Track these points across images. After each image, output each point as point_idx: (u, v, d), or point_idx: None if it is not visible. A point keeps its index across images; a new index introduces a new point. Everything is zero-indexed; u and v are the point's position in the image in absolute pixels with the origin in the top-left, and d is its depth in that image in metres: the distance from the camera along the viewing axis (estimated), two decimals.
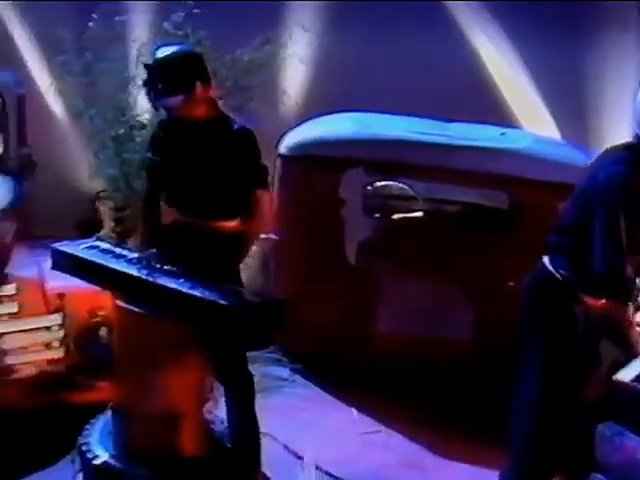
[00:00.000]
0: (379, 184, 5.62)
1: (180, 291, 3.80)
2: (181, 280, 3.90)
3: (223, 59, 4.28)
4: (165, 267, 4.01)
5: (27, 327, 4.54)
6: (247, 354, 5.14)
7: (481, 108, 5.72)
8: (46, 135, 5.74)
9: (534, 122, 5.97)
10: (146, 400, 4.06)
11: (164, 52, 4.04)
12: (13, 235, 4.95)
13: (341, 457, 4.38)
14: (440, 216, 5.51)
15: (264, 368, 5.29)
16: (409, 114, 5.31)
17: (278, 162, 5.17)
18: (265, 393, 5.04)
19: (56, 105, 5.47)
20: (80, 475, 4.11)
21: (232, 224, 4.12)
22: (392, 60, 5.55)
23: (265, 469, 4.14)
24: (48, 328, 4.59)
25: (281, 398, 5.00)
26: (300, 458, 4.41)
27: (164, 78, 3.95)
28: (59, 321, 4.59)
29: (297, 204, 5.18)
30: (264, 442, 4.34)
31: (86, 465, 4.06)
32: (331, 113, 5.16)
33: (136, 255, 4.13)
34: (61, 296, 4.61)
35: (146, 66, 4.05)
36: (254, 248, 5.82)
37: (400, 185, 5.61)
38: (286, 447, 4.46)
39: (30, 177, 5.79)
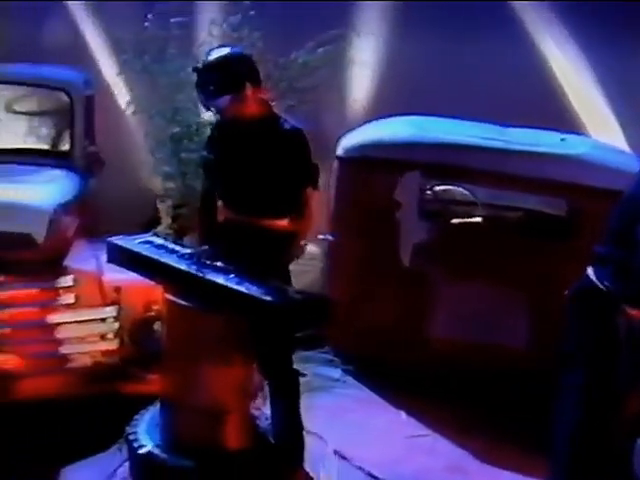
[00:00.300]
0: (439, 188, 5.63)
1: (226, 286, 3.88)
2: (229, 276, 4.01)
3: (277, 61, 4.33)
4: (215, 263, 4.13)
5: (83, 318, 4.69)
6: (299, 353, 5.31)
7: (546, 114, 5.64)
8: (115, 134, 5.87)
9: (601, 129, 5.86)
10: (192, 393, 4.14)
11: (214, 54, 4.15)
12: (75, 229, 5.12)
13: (386, 459, 4.38)
14: (499, 222, 5.47)
15: (316, 368, 5.35)
16: (470, 119, 5.29)
17: (335, 164, 5.21)
18: (316, 393, 5.11)
19: (124, 105, 5.60)
20: (126, 463, 4.26)
21: (282, 222, 4.20)
22: (454, 64, 5.52)
23: (309, 467, 4.20)
24: (104, 320, 4.70)
25: (331, 398, 5.03)
26: (345, 458, 4.45)
27: (214, 79, 4.07)
28: (114, 313, 4.69)
29: (353, 206, 5.19)
30: (310, 441, 4.40)
31: (132, 454, 4.17)
32: (389, 116, 5.17)
33: (188, 251, 4.27)
34: (117, 289, 4.73)
35: (195, 69, 4.17)
36: (314, 249, 5.92)
37: (460, 190, 5.61)
38: (331, 446, 4.50)
39: (97, 174, 5.98)
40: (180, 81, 4.35)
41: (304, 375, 5.19)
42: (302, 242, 4.49)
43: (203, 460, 4.06)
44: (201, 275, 3.99)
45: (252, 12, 4.38)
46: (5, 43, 5.93)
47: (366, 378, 5.18)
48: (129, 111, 4.98)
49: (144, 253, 4.19)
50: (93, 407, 4.32)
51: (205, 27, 4.24)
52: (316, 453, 4.27)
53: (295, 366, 5.25)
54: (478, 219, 5.46)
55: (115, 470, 4.19)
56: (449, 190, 5.60)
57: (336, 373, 5.28)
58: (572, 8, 5.47)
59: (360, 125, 5.27)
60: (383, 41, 5.49)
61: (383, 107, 5.20)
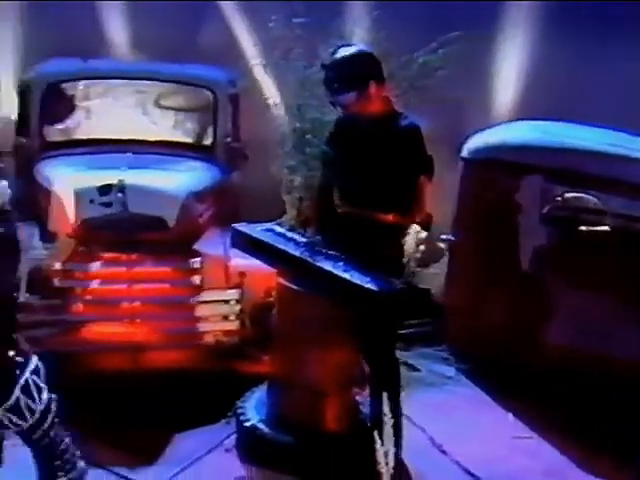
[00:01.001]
0: (569, 195, 5.58)
1: (333, 273, 4.08)
2: (338, 264, 4.19)
3: (399, 60, 4.46)
4: (328, 252, 4.32)
5: (208, 299, 5.01)
6: (416, 349, 5.42)
7: None
8: (260, 130, 6.15)
9: None
10: (298, 373, 4.38)
11: (341, 52, 4.32)
12: (210, 217, 5.44)
13: (485, 457, 4.40)
14: (628, 233, 5.37)
15: (431, 365, 5.45)
16: (601, 125, 5.22)
17: (460, 164, 5.30)
18: (427, 388, 5.22)
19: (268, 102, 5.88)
20: (233, 435, 4.52)
21: (397, 217, 4.35)
22: (579, 70, 5.46)
23: (406, 457, 4.29)
24: (227, 302, 5.01)
25: (441, 395, 5.10)
26: (444, 452, 4.51)
27: (339, 76, 4.25)
28: (237, 297, 4.99)
29: (475, 207, 5.25)
30: (412, 432, 4.50)
31: (239, 427, 4.46)
32: (514, 120, 5.19)
33: (304, 240, 4.48)
34: (242, 274, 5.01)
35: (324, 66, 4.35)
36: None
37: (591, 198, 5.53)
38: (432, 440, 4.58)
39: (240, 168, 6.30)
40: (305, 78, 4.56)
41: (418, 370, 5.38)
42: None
43: (302, 437, 4.30)
44: (311, 261, 4.24)
45: (377, 12, 4.54)
46: (159, 43, 6.38)
47: (479, 378, 5.20)
48: (272, 107, 5.24)
49: (262, 239, 4.47)
50: (210, 382, 4.60)
51: (329, 27, 4.43)
52: (416, 445, 4.33)
53: (411, 361, 5.46)
54: (606, 228, 5.39)
55: (222, 440, 4.46)
56: (579, 197, 5.56)
57: (450, 371, 5.35)
58: None
59: (483, 127, 5.32)
60: (508, 43, 5.52)
61: (507, 110, 5.22)
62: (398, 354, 5.20)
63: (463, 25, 4.47)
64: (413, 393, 4.95)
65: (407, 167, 4.21)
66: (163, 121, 5.98)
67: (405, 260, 5.80)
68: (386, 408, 4.15)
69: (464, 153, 5.28)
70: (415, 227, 6.01)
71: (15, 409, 3.49)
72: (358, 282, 3.94)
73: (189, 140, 6.00)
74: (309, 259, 4.21)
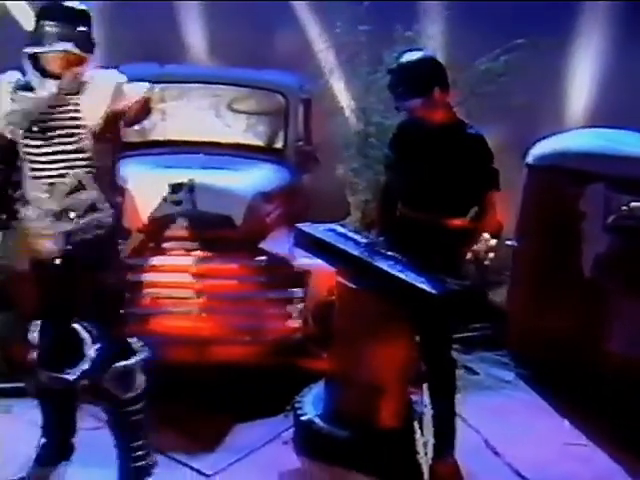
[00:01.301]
0: (635, 204, 5.55)
1: (389, 273, 4.19)
2: (396, 265, 4.29)
3: (461, 67, 4.53)
4: (387, 253, 4.42)
5: (272, 297, 5.18)
6: (476, 353, 5.46)
7: None
8: (330, 134, 6.28)
9: None
10: (355, 370, 4.49)
11: (407, 57, 4.42)
12: (278, 217, 5.58)
13: (537, 460, 4.45)
14: None
15: (490, 369, 5.51)
16: None
17: (525, 171, 5.34)
18: (485, 391, 5.28)
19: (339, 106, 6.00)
20: (291, 429, 4.67)
21: (459, 221, 4.42)
22: None
23: (459, 456, 4.36)
24: (291, 300, 5.17)
25: (499, 399, 5.16)
26: (497, 454, 4.56)
27: (405, 81, 4.34)
28: (301, 295, 5.16)
29: (539, 213, 5.30)
30: (467, 433, 4.60)
31: (296, 420, 4.61)
32: (579, 127, 5.20)
33: (364, 240, 4.59)
34: (307, 273, 5.16)
35: (390, 71, 4.45)
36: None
37: None
38: (486, 441, 4.63)
39: (311, 171, 6.44)
40: (370, 83, 4.68)
41: (477, 374, 5.43)
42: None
43: (357, 432, 4.42)
44: (369, 261, 4.34)
45: (448, 12, 4.64)
46: (234, 48, 6.58)
47: (537, 383, 5.25)
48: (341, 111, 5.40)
49: (323, 238, 4.60)
50: (271, 376, 4.76)
51: (390, 34, 4.54)
52: (470, 445, 4.44)
53: (470, 365, 5.52)
54: None
55: (280, 433, 4.63)
56: None
57: (509, 376, 5.40)
58: None
59: (547, 134, 5.35)
60: (573, 49, 5.52)
61: (571, 117, 5.23)
62: (458, 357, 5.34)
63: (527, 31, 4.55)
64: (470, 396, 5.03)
65: (469, 176, 4.31)
66: (236, 124, 6.13)
67: (474, 266, 5.87)
68: (427, 399, 4.29)
69: (529, 160, 5.34)
70: (485, 235, 6.07)
71: (119, 378, 3.87)
72: (413, 282, 4.08)
73: (260, 143, 6.13)
74: (367, 259, 4.36)
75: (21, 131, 3.87)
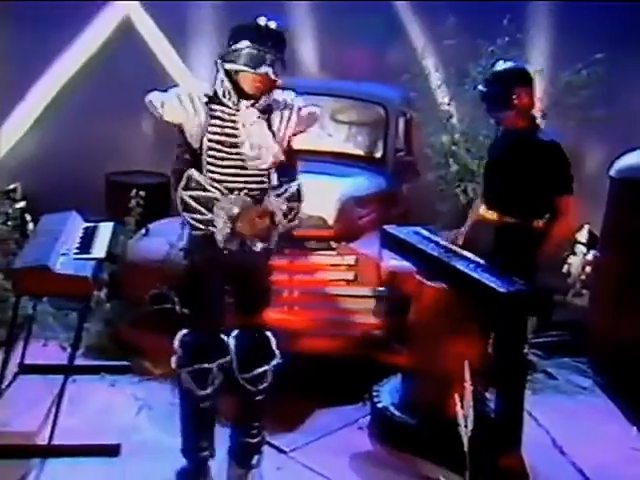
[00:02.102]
0: None
1: (463, 272, 4.43)
2: (471, 265, 4.52)
3: (545, 79, 4.71)
4: (464, 254, 4.65)
5: (359, 294, 5.45)
6: (556, 358, 5.57)
7: None
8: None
9: None
10: (429, 364, 4.71)
11: (500, 68, 4.72)
12: (371, 220, 5.87)
13: (602, 463, 4.57)
14: None
15: (569, 375, 5.61)
16: None
17: (608, 183, 5.46)
18: (560, 395, 5.41)
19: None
20: (368, 417, 4.94)
21: (536, 224, 4.65)
22: None
23: (525, 453, 4.52)
24: (376, 297, 5.43)
25: (572, 403, 5.28)
26: (563, 453, 4.71)
27: (497, 92, 4.64)
28: (386, 294, 5.41)
29: (622, 225, 5.39)
30: (536, 431, 4.79)
31: (373, 408, 4.90)
32: None
33: (444, 242, 4.84)
34: (392, 274, 5.42)
35: (485, 81, 4.69)
36: None
37: None
38: (554, 440, 4.79)
39: (411, 181, 6.71)
40: (455, 95, 4.93)
41: (555, 379, 5.55)
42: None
43: (428, 422, 4.65)
44: (446, 261, 4.59)
45: (519, 35, 4.84)
46: (340, 62, 6.96)
47: (614, 391, 5.34)
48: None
49: (405, 239, 4.89)
50: (354, 367, 5.02)
51: (474, 48, 4.77)
52: (537, 443, 4.60)
53: (550, 369, 5.64)
54: None
55: (357, 420, 4.93)
56: None
57: (586, 382, 5.50)
58: None
59: (631, 148, 5.44)
60: None
61: None
62: (538, 361, 5.51)
63: (608, 45, 4.69)
64: (545, 398, 5.28)
65: (544, 180, 4.56)
66: (337, 134, 6.50)
67: (571, 281, 5.98)
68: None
69: (612, 172, 5.46)
70: (582, 248, 6.23)
71: (258, 378, 4.22)
72: (484, 281, 4.31)
73: (360, 152, 6.48)
74: (445, 259, 4.62)
75: (210, 143, 4.03)
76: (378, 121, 6.51)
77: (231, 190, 4.02)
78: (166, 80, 7.42)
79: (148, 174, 7.20)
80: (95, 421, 4.74)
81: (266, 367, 4.28)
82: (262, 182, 4.09)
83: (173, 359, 4.20)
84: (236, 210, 3.97)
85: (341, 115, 6.56)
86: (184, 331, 4.24)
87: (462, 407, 3.22)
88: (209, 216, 3.98)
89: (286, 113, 4.14)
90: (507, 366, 4.59)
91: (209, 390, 4.14)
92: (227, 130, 4.03)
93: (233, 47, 4.02)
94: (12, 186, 6.70)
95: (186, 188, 3.99)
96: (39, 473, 4.26)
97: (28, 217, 6.25)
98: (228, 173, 4.04)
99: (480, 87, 4.80)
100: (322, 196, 5.51)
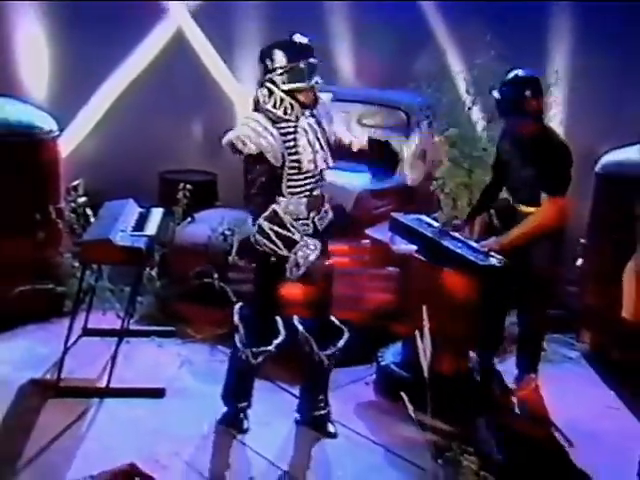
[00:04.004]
0: None
1: (449, 249, 5.58)
2: (459, 244, 5.66)
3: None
4: (455, 235, 5.79)
5: (373, 273, 6.63)
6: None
7: None
8: None
9: None
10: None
11: (510, 75, 5.70)
12: (384, 210, 7.00)
13: (573, 416, 5.58)
14: None
15: (558, 347, 6.64)
16: None
17: (593, 179, 6.57)
18: (547, 364, 6.31)
19: None
20: (374, 375, 6.09)
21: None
22: None
23: None
24: (387, 277, 6.61)
25: (556, 370, 6.27)
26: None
27: (511, 98, 5.60)
28: (395, 274, 6.58)
29: (604, 215, 6.49)
30: None
31: (378, 367, 6.05)
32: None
33: (439, 226, 5.98)
34: (402, 256, 6.57)
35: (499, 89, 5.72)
36: None
37: None
38: None
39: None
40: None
41: (544, 350, 6.58)
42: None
43: (420, 376, 5.75)
44: (438, 241, 5.74)
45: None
46: (373, 70, 8.23)
47: (595, 362, 6.42)
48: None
49: (408, 223, 6.04)
50: (367, 335, 6.07)
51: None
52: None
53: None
54: None
55: (364, 377, 6.07)
56: None
57: (572, 354, 6.57)
58: None
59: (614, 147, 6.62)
60: None
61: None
62: None
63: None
64: None
65: (543, 173, 5.54)
66: (362, 136, 7.70)
67: None
68: None
69: (597, 168, 6.56)
70: None
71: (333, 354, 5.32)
72: (465, 256, 5.46)
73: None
74: (437, 239, 5.77)
75: (291, 157, 4.96)
76: (400, 125, 7.68)
77: (310, 192, 5.04)
78: (214, 87, 8.81)
79: (196, 172, 8.47)
80: (145, 372, 5.99)
81: (342, 342, 5.33)
82: (322, 179, 5.18)
83: (236, 335, 5.23)
84: (312, 258, 4.92)
85: (367, 119, 7.69)
86: (239, 305, 5.36)
87: (422, 341, 4.32)
88: (285, 252, 4.91)
89: (324, 115, 5.20)
90: (482, 336, 5.78)
91: (260, 360, 5.23)
92: (299, 142, 4.99)
93: (278, 66, 4.91)
94: (75, 182, 7.78)
95: (270, 221, 4.92)
96: (98, 408, 5.55)
97: (89, 211, 7.58)
98: (304, 178, 5.04)
99: (495, 93, 5.74)
100: (341, 188, 6.73)
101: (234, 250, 6.47)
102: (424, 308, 4.35)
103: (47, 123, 7.02)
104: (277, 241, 4.91)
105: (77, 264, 6.63)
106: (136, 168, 8.11)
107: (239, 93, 8.85)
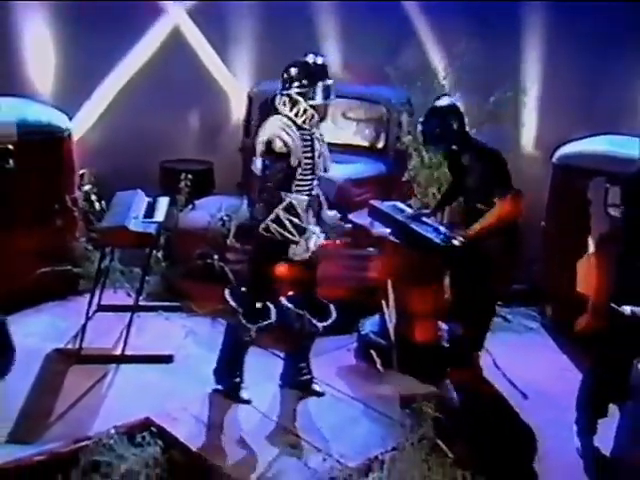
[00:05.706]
0: None
1: (415, 230, 6.73)
2: (426, 227, 6.83)
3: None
4: (425, 220, 6.97)
5: (355, 253, 7.76)
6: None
7: None
8: None
9: None
10: (398, 302, 7.03)
11: (430, 108, 6.85)
12: (367, 197, 8.14)
13: (530, 377, 6.75)
14: None
15: (522, 319, 7.92)
16: None
17: (550, 169, 7.76)
18: (510, 333, 7.64)
19: None
20: (355, 343, 7.27)
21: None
22: None
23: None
24: (368, 257, 7.73)
25: (519, 338, 7.59)
26: (497, 367, 6.94)
27: (433, 131, 6.74)
28: (375, 254, 7.72)
29: (560, 201, 7.66)
30: (483, 357, 7.00)
31: (358, 336, 7.20)
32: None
33: (410, 211, 7.17)
34: (380, 238, 7.71)
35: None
36: None
37: None
38: (494, 361, 6.98)
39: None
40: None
41: (509, 321, 7.81)
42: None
43: (395, 344, 6.97)
44: (405, 222, 6.89)
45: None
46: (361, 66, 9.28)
47: (558, 333, 7.59)
48: None
49: (382, 209, 7.21)
50: (352, 308, 7.16)
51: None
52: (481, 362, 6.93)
53: (506, 314, 7.85)
54: None
55: (347, 344, 7.24)
56: None
57: (534, 325, 7.78)
58: None
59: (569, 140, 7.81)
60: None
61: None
62: (498, 309, 7.74)
63: None
64: (499, 335, 7.40)
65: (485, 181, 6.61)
66: (346, 128, 8.85)
67: None
68: None
69: (553, 159, 7.75)
70: None
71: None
72: (427, 236, 6.60)
73: (365, 143, 8.89)
74: (407, 223, 6.92)
75: (305, 159, 6.09)
76: (381, 118, 8.85)
77: (310, 192, 6.22)
78: (210, 81, 10.04)
79: (194, 162, 9.65)
80: (154, 342, 7.19)
81: (334, 315, 6.39)
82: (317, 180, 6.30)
83: (240, 316, 6.18)
84: (319, 243, 6.24)
85: (351, 113, 8.84)
86: (229, 288, 6.40)
87: (387, 306, 5.52)
88: (297, 238, 6.06)
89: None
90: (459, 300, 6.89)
91: (254, 335, 6.28)
92: (315, 148, 6.14)
93: (308, 82, 6.01)
94: (81, 172, 8.79)
95: (287, 212, 6.05)
96: (115, 372, 6.75)
97: (94, 197, 8.64)
98: (312, 178, 6.21)
99: (419, 126, 6.85)
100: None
101: (231, 234, 7.61)
102: (388, 282, 5.53)
103: (63, 122, 8.15)
104: (292, 229, 6.06)
105: (91, 248, 7.92)
106: (138, 158, 9.23)
107: (234, 87, 10.11)
